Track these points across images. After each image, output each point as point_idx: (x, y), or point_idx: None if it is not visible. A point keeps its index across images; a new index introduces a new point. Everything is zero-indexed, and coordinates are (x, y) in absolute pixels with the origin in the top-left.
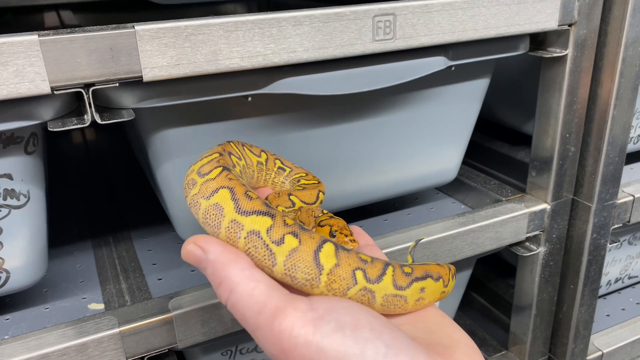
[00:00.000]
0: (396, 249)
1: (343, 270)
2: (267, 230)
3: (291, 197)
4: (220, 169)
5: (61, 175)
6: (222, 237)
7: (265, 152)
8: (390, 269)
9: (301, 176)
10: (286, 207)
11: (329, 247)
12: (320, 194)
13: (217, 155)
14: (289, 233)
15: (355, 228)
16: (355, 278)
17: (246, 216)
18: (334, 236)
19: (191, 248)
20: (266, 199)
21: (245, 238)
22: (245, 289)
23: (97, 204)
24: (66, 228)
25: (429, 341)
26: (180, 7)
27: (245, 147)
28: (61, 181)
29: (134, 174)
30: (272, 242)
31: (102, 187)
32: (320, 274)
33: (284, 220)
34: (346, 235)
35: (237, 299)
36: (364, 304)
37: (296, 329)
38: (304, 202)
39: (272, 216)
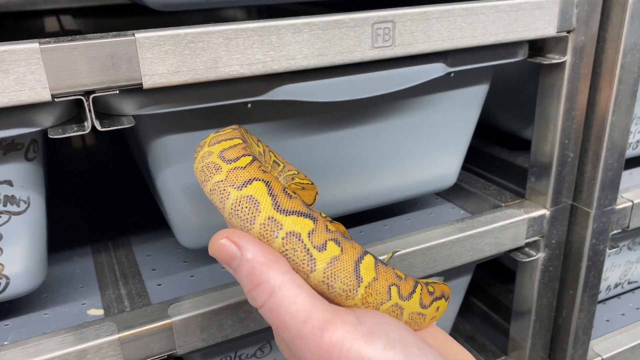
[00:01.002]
0: (395, 255)
1: (380, 285)
2: (309, 234)
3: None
4: (251, 158)
5: (61, 180)
6: (255, 234)
7: (261, 143)
8: (419, 287)
9: (294, 174)
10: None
11: (369, 260)
12: (317, 195)
13: (240, 141)
14: (332, 240)
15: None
16: (390, 294)
17: (286, 215)
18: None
19: (225, 243)
20: None
21: (283, 239)
22: (287, 295)
23: (97, 209)
24: (66, 233)
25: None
26: (180, 13)
27: (251, 136)
28: (61, 186)
29: (134, 180)
30: (314, 247)
31: (102, 193)
32: (359, 286)
33: (326, 225)
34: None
35: (277, 304)
36: None
37: (347, 343)
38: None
39: (315, 220)
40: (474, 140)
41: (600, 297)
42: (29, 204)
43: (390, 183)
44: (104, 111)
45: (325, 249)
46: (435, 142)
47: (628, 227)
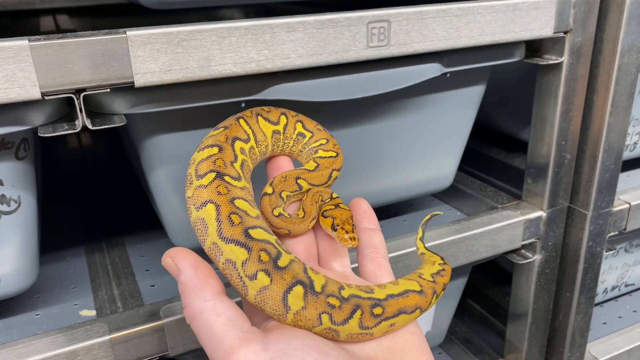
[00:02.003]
0: (391, 255)
1: (310, 313)
2: (242, 263)
3: (299, 180)
4: (214, 175)
5: (56, 180)
6: (206, 251)
7: (285, 115)
8: (358, 313)
9: (320, 144)
10: (292, 191)
11: (298, 290)
12: (334, 172)
13: (216, 150)
14: (262, 270)
15: (361, 204)
16: (320, 320)
17: (226, 243)
18: (335, 230)
19: (169, 262)
20: (271, 182)
21: (223, 263)
22: (205, 321)
23: (92, 210)
24: (59, 233)
25: None
26: (177, 12)
27: (260, 118)
28: (55, 186)
29: (129, 180)
30: (246, 276)
31: (97, 193)
32: (287, 313)
33: (259, 256)
34: (347, 232)
35: (198, 327)
36: (328, 338)
37: None
38: (313, 185)
39: (249, 250)
40: (471, 141)
41: (597, 299)
42: (19, 204)
43: (386, 184)
44: (95, 110)
45: (256, 279)
46: (432, 143)
47: (625, 229)
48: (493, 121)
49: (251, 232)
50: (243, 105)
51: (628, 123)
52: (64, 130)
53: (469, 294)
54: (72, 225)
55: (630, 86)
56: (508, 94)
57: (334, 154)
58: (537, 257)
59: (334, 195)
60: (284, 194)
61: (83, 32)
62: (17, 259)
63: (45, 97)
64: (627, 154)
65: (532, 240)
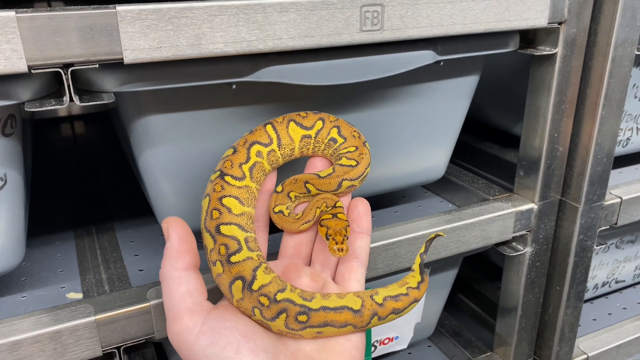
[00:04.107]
0: (381, 244)
1: (246, 304)
2: (210, 251)
3: (307, 184)
4: (219, 173)
5: (48, 166)
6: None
7: (323, 121)
8: (283, 316)
9: (348, 152)
10: (300, 193)
11: (238, 284)
12: (345, 182)
13: (231, 151)
14: (219, 260)
15: (358, 205)
16: (254, 312)
17: (205, 231)
18: (327, 239)
19: (164, 227)
20: (284, 182)
21: (203, 245)
22: (169, 287)
23: (82, 195)
24: (49, 217)
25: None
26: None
27: (292, 123)
28: (47, 171)
29: (120, 167)
30: (210, 261)
31: (88, 178)
32: (232, 299)
33: (219, 249)
34: (337, 242)
35: (163, 290)
36: (264, 327)
37: (182, 335)
38: (320, 190)
39: (215, 241)
40: (465, 135)
41: (588, 295)
42: (5, 181)
43: (377, 173)
44: (84, 87)
45: (215, 266)
46: (424, 133)
47: (616, 223)
48: (487, 116)
49: (222, 227)
50: (234, 86)
51: (621, 116)
52: (50, 106)
53: (460, 288)
54: (62, 210)
55: (623, 79)
56: (502, 89)
57: (354, 163)
58: (527, 250)
59: (339, 204)
60: (292, 194)
61: (71, 7)
62: (3, 239)
63: (32, 71)
64: (619, 150)
65: (523, 232)
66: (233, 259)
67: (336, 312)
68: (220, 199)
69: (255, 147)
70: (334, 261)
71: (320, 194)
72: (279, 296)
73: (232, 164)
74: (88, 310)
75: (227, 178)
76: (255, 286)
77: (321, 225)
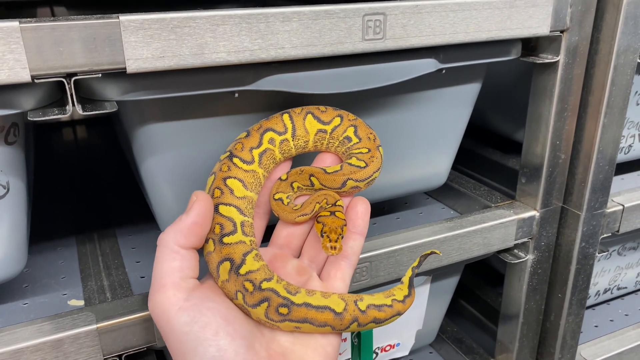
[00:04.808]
0: (383, 251)
1: (230, 286)
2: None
3: (312, 177)
4: (228, 154)
5: (50, 172)
6: None
7: (341, 118)
8: (264, 305)
9: (360, 152)
10: (303, 185)
11: (226, 265)
12: (350, 181)
13: (245, 134)
14: (212, 239)
15: (357, 205)
16: (237, 296)
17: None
18: (322, 237)
19: (191, 199)
20: (289, 171)
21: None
22: (162, 256)
23: (84, 201)
24: (51, 224)
25: (280, 353)
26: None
27: (309, 116)
28: (49, 177)
29: (122, 173)
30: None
31: (90, 185)
32: (217, 279)
33: (214, 228)
34: (331, 240)
35: (157, 254)
36: (244, 312)
37: (162, 307)
38: (324, 186)
39: (212, 220)
40: (467, 141)
41: (590, 302)
42: (8, 189)
43: (379, 180)
44: (87, 96)
45: (207, 243)
46: (426, 141)
47: (618, 231)
48: (489, 122)
49: (221, 207)
50: (236, 95)
51: (623, 124)
52: (53, 115)
53: (461, 294)
54: (64, 217)
55: (625, 87)
56: (505, 95)
57: (363, 165)
58: (529, 257)
59: (339, 202)
60: (295, 185)
61: (75, 17)
62: (5, 246)
63: (36, 81)
64: (621, 157)
65: (525, 239)
66: (226, 239)
67: (317, 311)
68: (224, 179)
69: (269, 134)
70: (323, 258)
71: (323, 189)
72: (264, 285)
73: (242, 146)
74: (90, 319)
75: (235, 160)
76: (242, 270)
77: (318, 222)
